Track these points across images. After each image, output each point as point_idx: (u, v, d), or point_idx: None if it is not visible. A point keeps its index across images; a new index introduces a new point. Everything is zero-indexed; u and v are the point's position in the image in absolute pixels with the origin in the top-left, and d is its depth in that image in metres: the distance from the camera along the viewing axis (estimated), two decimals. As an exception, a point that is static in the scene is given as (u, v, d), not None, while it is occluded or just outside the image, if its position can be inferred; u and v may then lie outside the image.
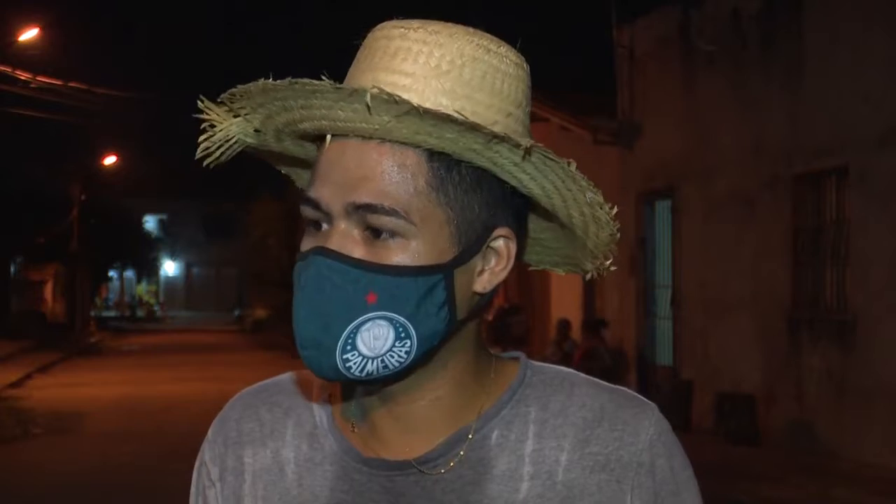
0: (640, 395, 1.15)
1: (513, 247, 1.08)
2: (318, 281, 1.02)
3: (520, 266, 1.15)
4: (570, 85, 16.44)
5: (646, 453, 1.09)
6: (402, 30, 1.04)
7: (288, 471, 1.14)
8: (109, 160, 38.51)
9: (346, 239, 1.03)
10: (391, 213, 1.01)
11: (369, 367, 1.03)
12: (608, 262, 1.14)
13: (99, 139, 36.49)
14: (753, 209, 11.81)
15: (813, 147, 10.76)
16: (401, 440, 1.11)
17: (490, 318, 11.82)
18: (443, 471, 1.09)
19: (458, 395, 1.11)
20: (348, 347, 1.01)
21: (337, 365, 1.02)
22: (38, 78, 20.36)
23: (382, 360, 1.03)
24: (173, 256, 59.88)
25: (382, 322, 1.01)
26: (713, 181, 12.59)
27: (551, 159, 1.02)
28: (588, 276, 1.18)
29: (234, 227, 52.29)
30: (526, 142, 1.00)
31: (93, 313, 42.56)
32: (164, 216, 57.95)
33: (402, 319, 1.02)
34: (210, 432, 1.21)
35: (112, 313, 51.22)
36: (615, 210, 1.07)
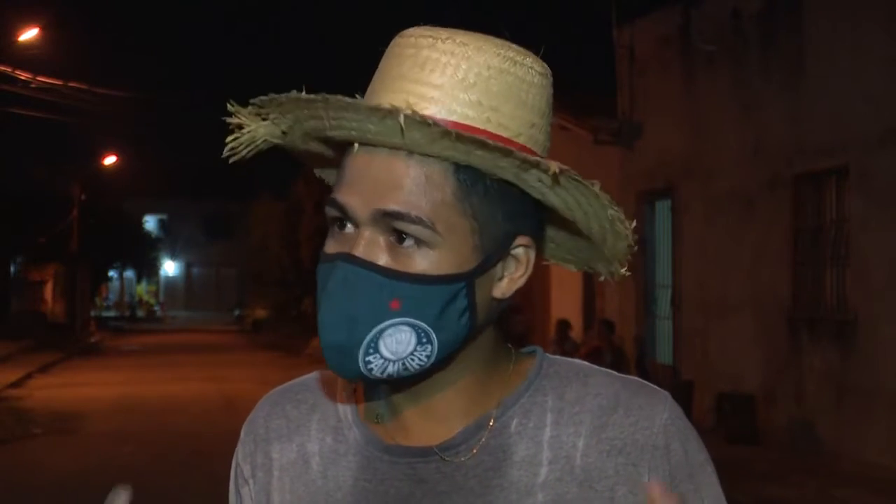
0: (651, 384, 1.18)
1: (532, 254, 1.12)
2: (344, 287, 1.05)
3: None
4: (570, 85, 16.42)
5: (660, 436, 1.12)
6: (431, 39, 1.06)
7: (313, 463, 1.18)
8: (109, 160, 38.50)
9: (372, 245, 1.05)
10: (417, 221, 1.04)
11: (390, 369, 1.06)
12: (623, 269, 1.17)
13: (99, 139, 36.56)
14: (753, 209, 11.81)
15: (813, 147, 10.76)
16: (422, 428, 1.14)
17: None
18: (464, 458, 1.12)
19: (477, 387, 1.14)
20: (371, 350, 1.05)
21: (359, 367, 1.06)
22: (38, 78, 20.36)
23: (403, 363, 1.06)
24: (173, 256, 59.85)
25: (405, 327, 1.05)
26: (713, 181, 12.59)
27: (577, 180, 1.05)
28: (602, 278, 1.22)
29: (234, 227, 52.28)
30: (555, 167, 1.02)
31: (93, 313, 42.50)
32: (164, 216, 57.93)
33: (424, 326, 1.05)
34: (242, 433, 1.26)
35: (112, 313, 51.18)
36: (634, 224, 1.10)
